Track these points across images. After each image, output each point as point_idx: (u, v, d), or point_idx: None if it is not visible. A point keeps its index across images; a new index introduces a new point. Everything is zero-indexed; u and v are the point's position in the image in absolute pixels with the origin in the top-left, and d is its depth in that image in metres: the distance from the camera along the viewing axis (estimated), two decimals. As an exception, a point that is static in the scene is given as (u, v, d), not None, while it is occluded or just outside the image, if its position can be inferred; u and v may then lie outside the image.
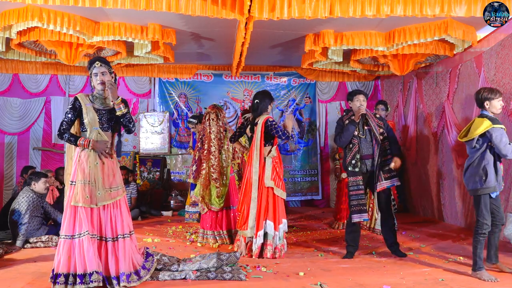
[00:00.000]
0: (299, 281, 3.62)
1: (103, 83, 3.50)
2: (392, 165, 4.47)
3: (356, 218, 4.49)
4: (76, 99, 3.51)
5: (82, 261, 3.29)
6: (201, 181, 5.26)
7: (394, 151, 4.56)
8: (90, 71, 3.56)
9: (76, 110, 3.48)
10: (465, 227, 6.02)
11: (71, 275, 3.28)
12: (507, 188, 5.00)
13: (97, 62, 3.54)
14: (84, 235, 3.33)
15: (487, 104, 3.79)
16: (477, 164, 3.78)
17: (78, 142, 3.43)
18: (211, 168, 5.19)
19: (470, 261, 4.26)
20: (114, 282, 3.34)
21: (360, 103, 4.51)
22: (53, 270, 3.35)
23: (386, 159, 4.49)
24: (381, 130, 4.51)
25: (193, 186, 6.32)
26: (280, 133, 4.56)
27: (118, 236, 3.46)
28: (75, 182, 3.41)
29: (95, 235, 3.40)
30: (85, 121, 3.47)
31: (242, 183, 4.80)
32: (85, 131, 3.49)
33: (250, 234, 4.55)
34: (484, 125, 3.70)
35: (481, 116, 3.79)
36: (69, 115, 3.47)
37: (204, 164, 5.24)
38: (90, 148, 3.42)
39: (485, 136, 3.72)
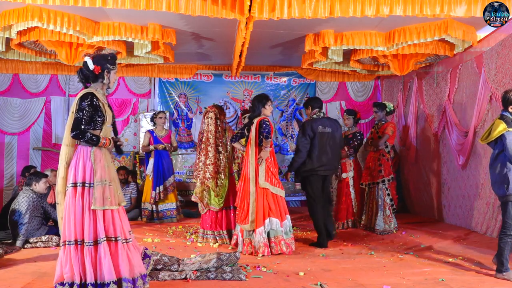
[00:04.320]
0: (299, 281, 3.62)
1: None
2: None
3: None
4: (93, 95, 3.28)
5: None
6: (200, 180, 5.25)
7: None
8: (113, 68, 3.41)
9: (94, 108, 3.27)
10: (465, 227, 6.01)
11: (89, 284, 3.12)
12: None
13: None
14: (103, 241, 3.20)
15: (511, 108, 3.74)
16: (498, 170, 3.73)
17: (100, 142, 3.27)
18: (207, 167, 5.19)
19: (470, 262, 4.27)
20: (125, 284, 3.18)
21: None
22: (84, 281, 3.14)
23: None
24: None
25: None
26: (265, 133, 4.71)
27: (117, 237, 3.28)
28: (91, 184, 3.20)
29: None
30: (107, 119, 3.34)
31: (240, 180, 4.92)
32: (98, 129, 3.31)
33: (250, 228, 4.69)
34: (499, 128, 3.66)
35: (500, 117, 3.73)
36: (89, 113, 3.24)
37: (201, 164, 5.25)
38: (107, 146, 3.32)
39: (502, 140, 3.67)
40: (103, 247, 3.17)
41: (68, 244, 3.17)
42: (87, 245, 3.17)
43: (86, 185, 3.22)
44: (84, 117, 3.23)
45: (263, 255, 4.56)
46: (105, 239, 3.20)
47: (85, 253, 3.16)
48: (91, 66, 3.35)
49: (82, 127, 3.22)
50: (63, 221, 3.24)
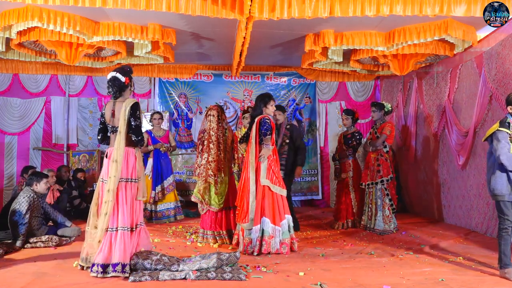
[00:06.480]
0: (299, 281, 3.62)
1: None
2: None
3: None
4: (139, 104, 3.90)
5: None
6: (203, 178, 5.24)
7: (298, 161, 5.91)
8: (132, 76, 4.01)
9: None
10: (465, 227, 6.01)
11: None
12: None
13: None
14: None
15: (510, 109, 3.76)
16: (489, 170, 3.82)
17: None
18: (209, 165, 5.19)
19: (470, 262, 4.27)
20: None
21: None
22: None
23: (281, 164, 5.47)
24: (285, 138, 5.83)
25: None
26: (263, 130, 4.76)
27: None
28: (138, 179, 3.87)
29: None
30: None
31: (241, 179, 4.92)
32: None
33: (249, 227, 4.68)
34: (493, 127, 3.70)
35: (504, 118, 3.79)
36: None
37: (204, 161, 5.24)
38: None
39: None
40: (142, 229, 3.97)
41: (122, 230, 3.70)
42: (136, 228, 3.85)
43: (134, 180, 3.84)
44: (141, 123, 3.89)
45: (257, 254, 4.57)
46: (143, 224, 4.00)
47: (134, 235, 3.82)
48: (122, 79, 3.88)
49: (142, 133, 3.89)
50: (116, 211, 3.74)
